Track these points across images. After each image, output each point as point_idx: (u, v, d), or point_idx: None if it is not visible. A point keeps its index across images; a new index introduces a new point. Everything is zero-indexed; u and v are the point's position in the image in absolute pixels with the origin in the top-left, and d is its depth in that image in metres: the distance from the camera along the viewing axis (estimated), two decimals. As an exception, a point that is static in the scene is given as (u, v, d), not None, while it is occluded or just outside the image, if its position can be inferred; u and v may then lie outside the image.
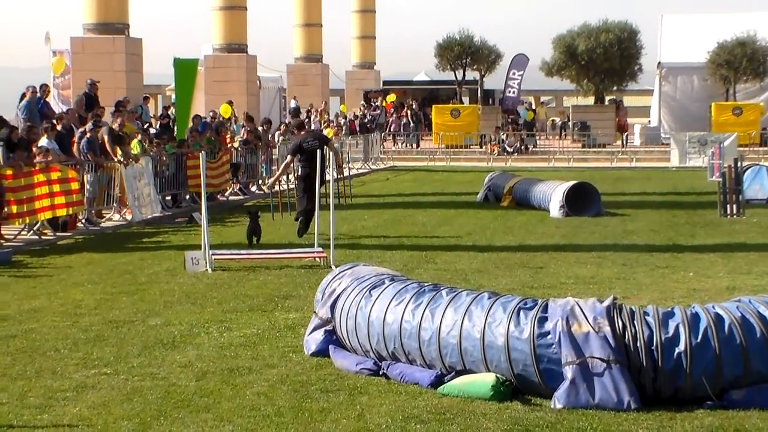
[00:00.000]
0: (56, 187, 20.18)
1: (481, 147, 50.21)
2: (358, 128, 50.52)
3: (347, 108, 56.62)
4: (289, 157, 20.38)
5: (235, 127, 34.86)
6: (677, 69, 52.21)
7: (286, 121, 44.02)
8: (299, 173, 19.98)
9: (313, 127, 40.00)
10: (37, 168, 19.94)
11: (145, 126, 28.94)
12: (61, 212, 20.56)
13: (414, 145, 52.74)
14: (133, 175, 23.27)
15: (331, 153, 20.54)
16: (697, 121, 49.48)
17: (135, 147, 24.39)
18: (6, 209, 19.25)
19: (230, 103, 37.73)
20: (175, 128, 29.31)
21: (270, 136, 34.00)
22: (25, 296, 13.83)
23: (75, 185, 20.85)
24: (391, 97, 58.38)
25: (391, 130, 54.32)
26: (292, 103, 52.16)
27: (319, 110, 50.67)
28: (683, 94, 52.57)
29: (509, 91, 58.36)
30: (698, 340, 8.29)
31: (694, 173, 38.23)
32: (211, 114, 32.72)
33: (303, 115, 46.73)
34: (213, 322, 11.91)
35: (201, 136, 28.46)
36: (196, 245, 17.18)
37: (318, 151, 17.96)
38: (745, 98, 51.08)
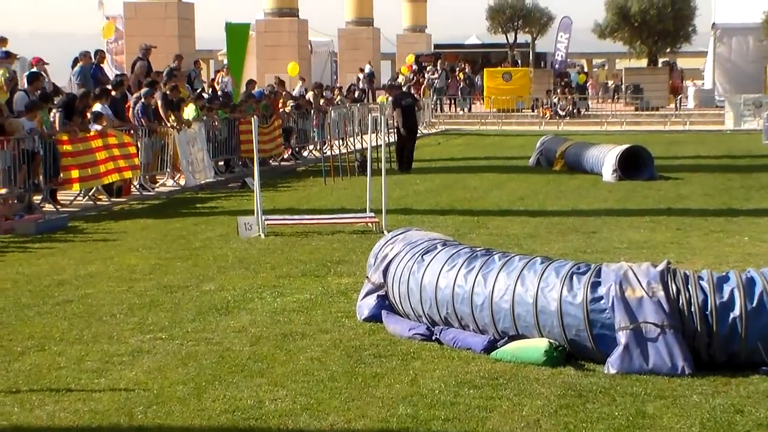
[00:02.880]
0: (116, 152, 20.41)
1: (533, 111, 49.99)
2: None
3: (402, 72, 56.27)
4: (397, 110, 26.58)
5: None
6: (732, 30, 51.57)
7: (360, 85, 44.34)
8: (398, 125, 26.40)
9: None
10: (92, 133, 20.10)
11: (198, 91, 29.05)
12: (127, 175, 20.87)
13: (466, 110, 52.55)
14: (186, 141, 23.39)
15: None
16: (753, 83, 48.87)
17: (192, 112, 24.43)
18: (62, 175, 19.43)
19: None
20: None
21: (321, 101, 34.02)
22: (81, 261, 13.98)
23: (133, 149, 21.12)
24: (410, 59, 57.80)
25: (449, 93, 54.10)
26: (367, 69, 52.55)
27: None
28: (738, 56, 51.95)
29: (558, 55, 57.99)
30: (754, 304, 8.21)
31: (749, 136, 37.83)
32: (269, 87, 32.69)
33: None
34: (266, 288, 11.98)
35: (257, 103, 28.47)
36: (248, 210, 17.24)
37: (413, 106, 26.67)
38: (802, 59, 50.37)
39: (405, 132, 26.23)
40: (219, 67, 36.54)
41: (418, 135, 29.10)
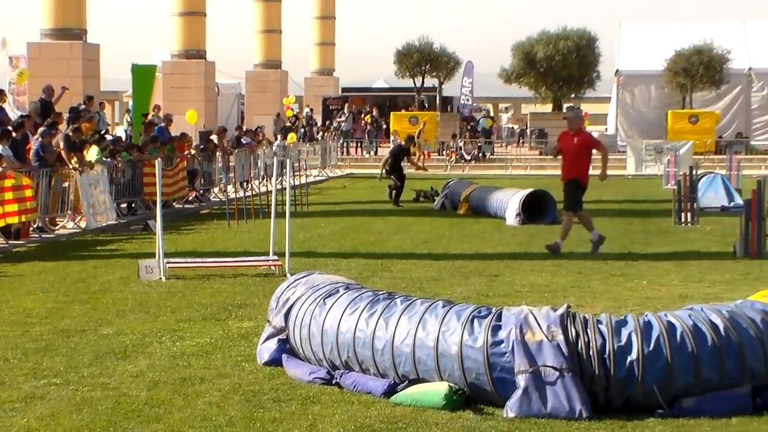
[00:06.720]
0: (8, 195, 19.94)
1: (440, 154, 50.29)
2: (317, 135, 50.49)
3: (293, 111, 55.54)
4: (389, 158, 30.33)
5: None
6: (635, 77, 52.60)
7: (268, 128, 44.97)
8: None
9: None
10: (-11, 175, 19.72)
11: (102, 132, 28.69)
12: (12, 220, 20.29)
13: (372, 153, 52.73)
14: (89, 182, 23.06)
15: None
16: (654, 129, 49.86)
17: (95, 154, 24.04)
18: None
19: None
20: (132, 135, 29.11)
21: (226, 143, 33.87)
22: (-25, 305, 13.67)
23: (29, 192, 20.59)
24: (290, 100, 57.33)
25: (356, 137, 54.30)
26: (306, 111, 54.01)
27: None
28: (640, 102, 52.97)
29: (463, 99, 58.66)
30: (650, 348, 8.30)
31: (649, 181, 38.47)
32: (166, 116, 32.51)
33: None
34: (166, 331, 11.81)
35: (162, 146, 28.06)
36: (150, 253, 17.04)
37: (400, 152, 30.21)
38: (702, 106, 51.52)
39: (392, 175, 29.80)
40: (125, 109, 36.33)
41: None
